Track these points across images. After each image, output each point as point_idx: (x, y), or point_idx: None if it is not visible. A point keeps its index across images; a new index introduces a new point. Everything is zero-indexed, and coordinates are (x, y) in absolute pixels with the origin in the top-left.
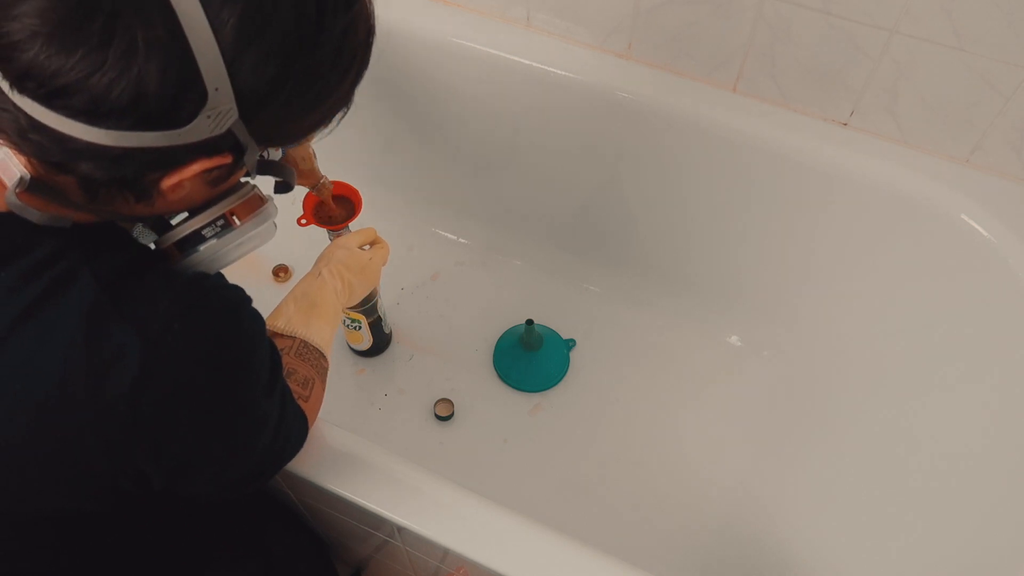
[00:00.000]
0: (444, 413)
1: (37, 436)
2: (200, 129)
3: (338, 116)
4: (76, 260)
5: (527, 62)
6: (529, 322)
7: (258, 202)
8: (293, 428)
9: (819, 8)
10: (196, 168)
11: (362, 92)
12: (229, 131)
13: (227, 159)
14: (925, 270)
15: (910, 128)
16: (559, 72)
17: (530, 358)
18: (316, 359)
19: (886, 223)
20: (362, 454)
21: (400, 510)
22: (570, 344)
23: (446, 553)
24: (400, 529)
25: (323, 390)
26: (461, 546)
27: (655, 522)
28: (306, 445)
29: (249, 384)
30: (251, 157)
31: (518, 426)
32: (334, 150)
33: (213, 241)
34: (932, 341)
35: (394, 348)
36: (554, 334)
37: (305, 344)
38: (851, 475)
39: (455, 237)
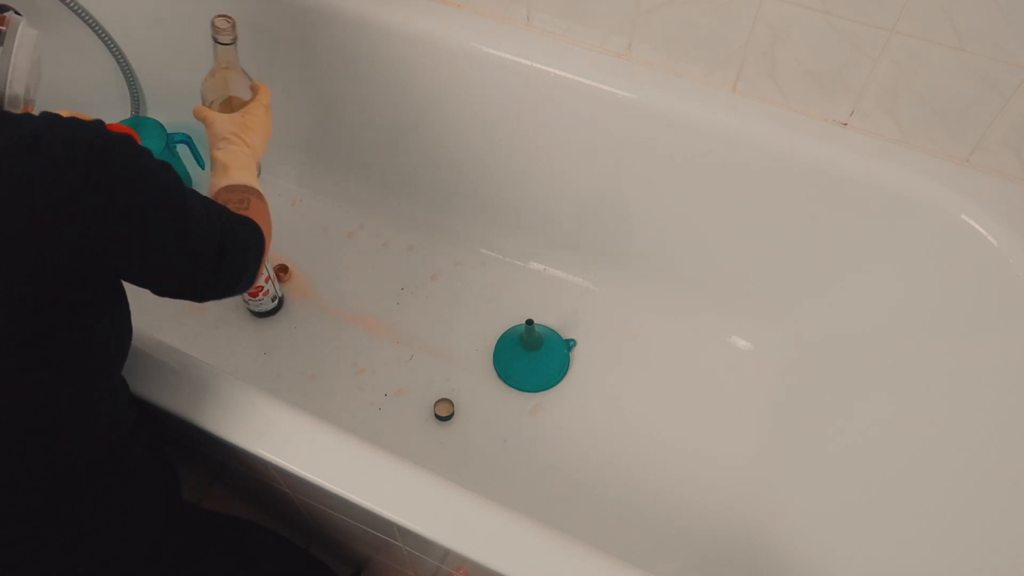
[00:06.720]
0: (444, 413)
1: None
2: None
3: None
4: None
5: (527, 62)
6: (529, 322)
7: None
8: (236, 226)
9: (819, 8)
10: None
11: (364, 92)
12: None
13: None
14: (925, 270)
15: (910, 128)
16: (559, 72)
17: (530, 358)
18: (242, 188)
19: (886, 223)
20: (362, 454)
21: (400, 510)
22: (570, 344)
23: (446, 553)
24: (400, 529)
25: (263, 204)
26: (461, 546)
27: (655, 522)
28: (305, 445)
29: (149, 176)
30: None
31: (518, 426)
32: (336, 150)
33: None
34: (932, 341)
35: (394, 348)
36: (554, 334)
37: (229, 187)
38: (852, 475)
39: (455, 237)
